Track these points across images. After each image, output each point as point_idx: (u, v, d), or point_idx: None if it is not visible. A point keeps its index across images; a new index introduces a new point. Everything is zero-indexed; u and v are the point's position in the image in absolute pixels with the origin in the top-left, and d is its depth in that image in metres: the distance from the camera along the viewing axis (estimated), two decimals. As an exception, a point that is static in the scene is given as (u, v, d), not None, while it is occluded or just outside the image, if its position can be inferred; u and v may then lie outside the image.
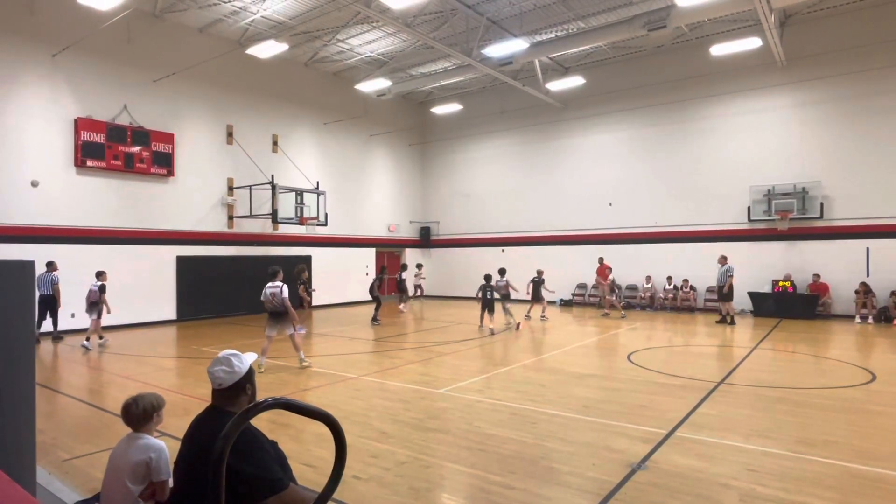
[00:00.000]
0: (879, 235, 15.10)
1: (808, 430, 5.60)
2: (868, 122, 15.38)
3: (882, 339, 12.00)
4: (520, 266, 20.85)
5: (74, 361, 10.02)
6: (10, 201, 12.62)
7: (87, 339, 11.21)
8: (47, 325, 12.30)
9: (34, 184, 12.96)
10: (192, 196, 16.21)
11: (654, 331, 13.56)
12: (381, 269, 16.97)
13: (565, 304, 20.10)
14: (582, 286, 20.27)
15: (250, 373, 2.56)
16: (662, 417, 6.04)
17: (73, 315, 13.17)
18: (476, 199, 23.41)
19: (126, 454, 2.77)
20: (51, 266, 12.26)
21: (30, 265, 3.45)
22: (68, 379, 8.74)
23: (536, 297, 15.81)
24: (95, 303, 11.26)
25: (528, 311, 16.01)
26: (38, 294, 12.15)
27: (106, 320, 12.39)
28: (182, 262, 15.88)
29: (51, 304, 12.18)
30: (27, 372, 3.42)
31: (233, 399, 2.50)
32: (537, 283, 15.86)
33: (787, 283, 15.96)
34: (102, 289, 11.31)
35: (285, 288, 8.88)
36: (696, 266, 17.79)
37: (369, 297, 16.37)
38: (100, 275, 11.47)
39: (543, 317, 16.04)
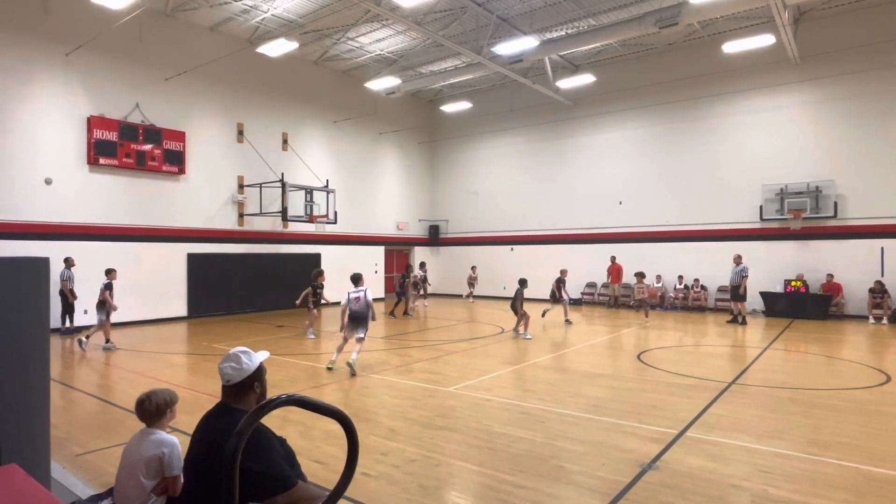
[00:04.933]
0: (894, 235, 14.89)
1: (820, 432, 5.54)
2: (883, 121, 15.16)
3: (896, 340, 11.85)
4: (529, 264, 20.85)
5: (87, 357, 10.12)
6: (24, 199, 12.76)
7: (87, 338, 10.58)
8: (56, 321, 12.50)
9: (48, 181, 13.10)
10: (203, 194, 16.31)
11: (664, 330, 13.47)
12: (406, 268, 18.04)
13: (575, 303, 20.01)
14: (591, 285, 20.18)
15: (259, 371, 2.55)
16: (673, 417, 6.00)
17: (85, 311, 13.34)
18: (485, 197, 23.37)
19: (139, 449, 2.80)
20: (66, 262, 12.57)
21: (44, 262, 3.49)
22: (81, 374, 8.84)
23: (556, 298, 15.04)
24: (103, 301, 10.57)
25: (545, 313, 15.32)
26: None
27: (118, 317, 12.45)
28: (193, 259, 16.00)
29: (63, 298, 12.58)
30: (41, 367, 3.46)
31: (241, 396, 2.51)
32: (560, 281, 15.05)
33: (800, 283, 15.79)
34: (108, 286, 10.56)
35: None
36: (706, 265, 17.65)
37: (379, 296, 16.63)
38: (108, 272, 10.83)
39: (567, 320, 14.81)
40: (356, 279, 9.37)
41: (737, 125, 17.43)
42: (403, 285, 16.71)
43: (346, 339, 8.95)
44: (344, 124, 20.67)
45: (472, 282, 21.73)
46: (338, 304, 11.08)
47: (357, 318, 8.91)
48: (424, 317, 16.61)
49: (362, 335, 8.86)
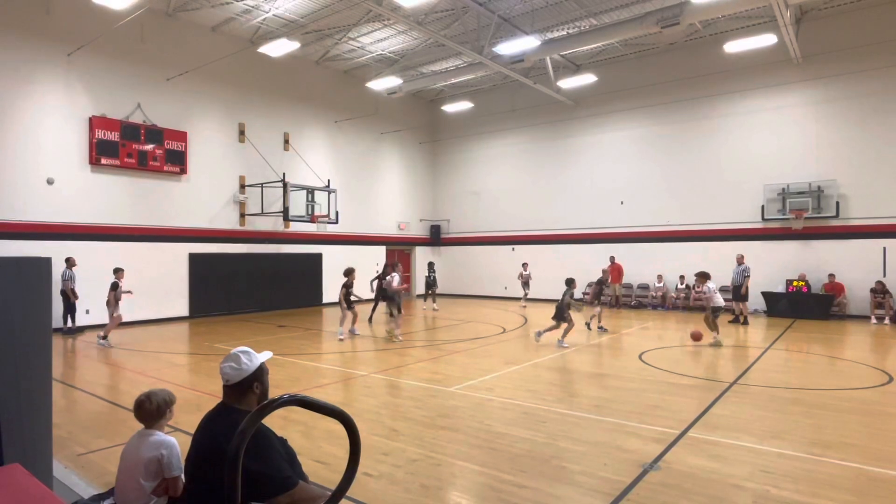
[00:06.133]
0: (897, 235, 14.89)
1: (822, 432, 5.53)
2: (885, 120, 15.13)
3: (899, 340, 11.82)
4: (530, 265, 20.83)
5: (88, 357, 10.14)
6: (26, 199, 12.78)
7: (103, 337, 11.02)
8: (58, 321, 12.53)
9: (50, 181, 13.12)
10: (205, 194, 16.33)
11: (665, 330, 13.46)
12: (384, 268, 16.44)
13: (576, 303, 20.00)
14: (592, 285, 20.15)
15: (260, 371, 2.53)
16: (675, 417, 6.00)
17: (87, 311, 13.37)
18: (486, 197, 23.36)
19: (138, 451, 2.80)
20: (67, 262, 12.61)
21: (46, 262, 3.49)
22: (83, 374, 8.85)
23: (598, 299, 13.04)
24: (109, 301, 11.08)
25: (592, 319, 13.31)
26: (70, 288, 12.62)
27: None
28: (194, 259, 16.01)
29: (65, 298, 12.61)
30: (43, 367, 3.46)
31: (241, 397, 2.50)
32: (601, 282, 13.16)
33: (802, 283, 15.77)
34: (112, 286, 10.95)
35: None
36: (708, 265, 17.35)
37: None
38: (114, 271, 11.18)
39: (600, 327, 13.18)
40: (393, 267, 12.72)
41: (738, 125, 17.40)
42: (382, 287, 15.00)
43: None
44: (345, 124, 20.67)
45: (526, 281, 19.28)
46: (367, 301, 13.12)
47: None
48: (432, 318, 16.57)
49: (389, 312, 11.84)
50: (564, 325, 10.84)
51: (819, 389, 7.32)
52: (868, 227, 15.27)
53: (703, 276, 11.25)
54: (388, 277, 12.03)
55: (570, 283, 11.32)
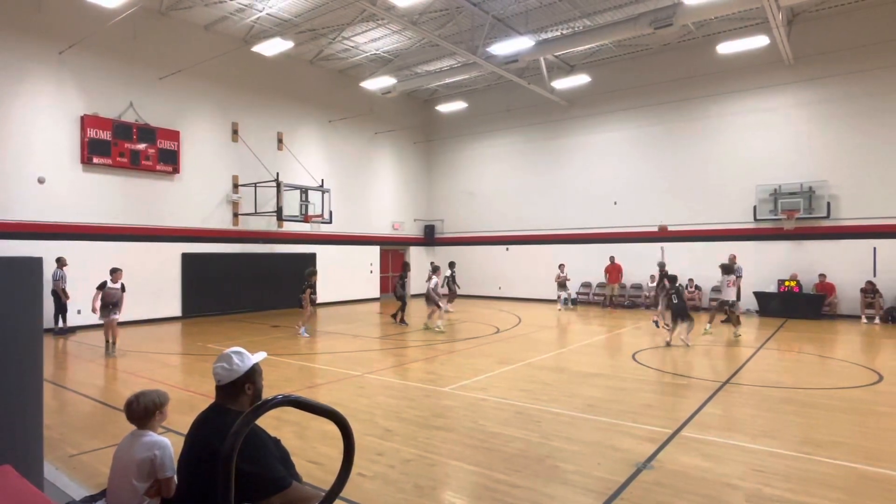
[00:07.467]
0: (887, 235, 14.99)
1: (814, 431, 5.57)
2: (876, 121, 15.26)
3: (889, 340, 11.92)
4: (525, 265, 20.90)
5: (80, 357, 10.06)
6: (16, 198, 12.68)
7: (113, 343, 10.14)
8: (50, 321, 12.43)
9: (41, 181, 12.99)
10: (198, 193, 16.25)
11: (659, 330, 13.49)
12: (403, 267, 15.88)
13: (571, 302, 20.04)
14: (587, 285, 20.23)
15: (252, 372, 2.52)
16: (668, 417, 6.03)
17: (79, 311, 13.26)
18: (481, 197, 23.37)
19: (131, 451, 2.78)
20: (58, 262, 12.52)
21: (37, 262, 3.46)
22: (74, 375, 8.79)
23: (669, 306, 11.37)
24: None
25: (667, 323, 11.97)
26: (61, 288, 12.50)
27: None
28: (187, 259, 15.93)
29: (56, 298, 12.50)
30: (35, 367, 3.43)
31: (233, 397, 2.49)
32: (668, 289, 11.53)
33: (793, 283, 15.88)
34: (99, 286, 9.92)
35: None
36: (701, 265, 17.71)
37: (374, 296, 16.11)
38: (110, 271, 10.08)
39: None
40: (434, 270, 13.99)
41: (731, 126, 17.50)
42: (404, 287, 14.96)
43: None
44: (339, 124, 20.63)
45: (563, 283, 18.41)
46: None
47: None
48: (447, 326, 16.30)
49: (430, 310, 13.16)
50: (687, 324, 10.70)
51: (810, 388, 7.38)
52: (858, 227, 15.40)
53: (728, 268, 11.84)
54: (430, 278, 13.59)
55: (674, 279, 11.12)
